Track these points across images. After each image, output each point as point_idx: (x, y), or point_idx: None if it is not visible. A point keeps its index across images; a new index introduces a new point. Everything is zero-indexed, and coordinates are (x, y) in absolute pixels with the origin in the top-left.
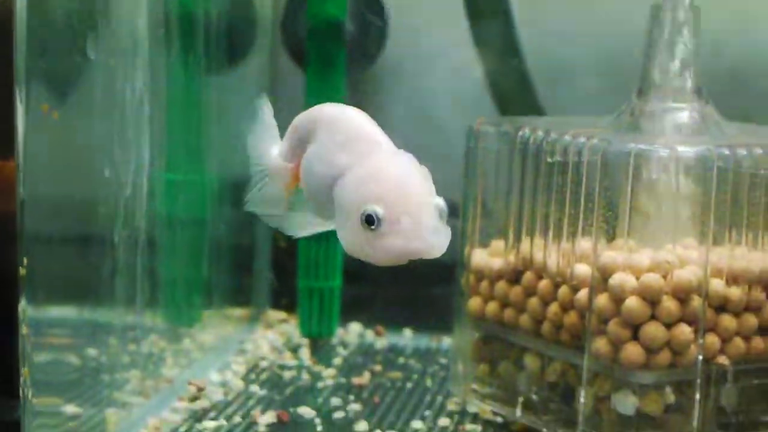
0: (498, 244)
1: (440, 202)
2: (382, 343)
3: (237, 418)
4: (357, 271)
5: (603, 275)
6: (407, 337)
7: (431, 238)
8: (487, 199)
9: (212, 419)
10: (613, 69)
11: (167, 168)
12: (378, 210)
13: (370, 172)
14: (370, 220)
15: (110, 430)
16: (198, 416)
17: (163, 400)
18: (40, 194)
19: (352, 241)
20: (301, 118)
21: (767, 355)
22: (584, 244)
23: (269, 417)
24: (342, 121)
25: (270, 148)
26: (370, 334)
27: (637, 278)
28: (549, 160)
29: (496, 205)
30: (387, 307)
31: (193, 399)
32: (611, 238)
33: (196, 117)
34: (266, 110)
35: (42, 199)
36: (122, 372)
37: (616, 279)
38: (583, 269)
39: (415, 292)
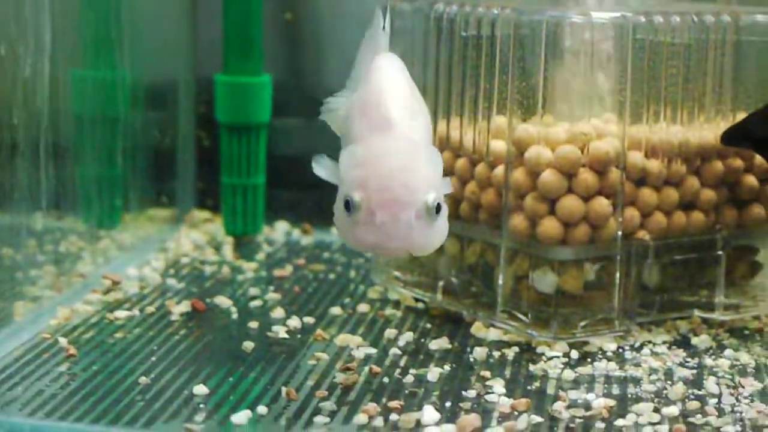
0: None
1: (430, 198)
2: (308, 240)
3: (151, 309)
4: (285, 171)
5: (519, 149)
6: (334, 235)
7: (410, 237)
8: None
9: (126, 309)
10: None
11: (76, 61)
12: (356, 198)
13: (366, 155)
14: (347, 206)
15: (17, 321)
16: (111, 307)
17: (76, 293)
18: None
19: (336, 216)
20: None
21: (689, 230)
22: (500, 120)
23: (184, 306)
24: (377, 82)
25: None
26: (297, 233)
27: (553, 151)
28: (463, 33)
29: None
30: (315, 206)
31: (107, 292)
32: (530, 113)
33: (105, 9)
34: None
35: None
36: (36, 269)
37: (531, 152)
38: (499, 145)
39: None
